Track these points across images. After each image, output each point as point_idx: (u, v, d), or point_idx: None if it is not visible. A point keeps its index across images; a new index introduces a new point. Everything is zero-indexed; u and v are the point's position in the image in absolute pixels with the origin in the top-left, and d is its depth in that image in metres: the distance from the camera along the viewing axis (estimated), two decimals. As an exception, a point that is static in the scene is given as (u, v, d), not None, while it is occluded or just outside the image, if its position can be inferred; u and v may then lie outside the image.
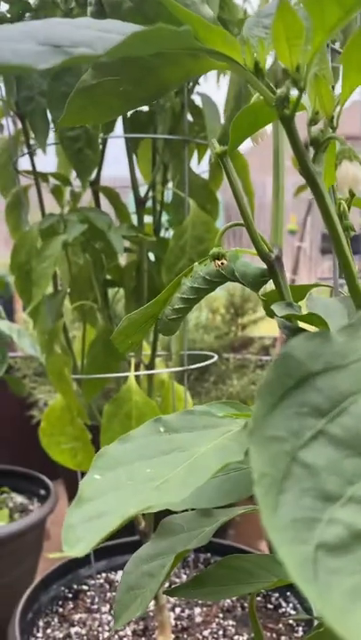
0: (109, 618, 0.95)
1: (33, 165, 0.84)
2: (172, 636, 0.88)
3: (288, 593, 0.98)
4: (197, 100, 0.85)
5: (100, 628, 0.92)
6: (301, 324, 0.34)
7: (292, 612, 0.95)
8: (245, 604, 0.99)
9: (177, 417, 0.28)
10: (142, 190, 0.84)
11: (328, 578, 0.14)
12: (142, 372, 0.83)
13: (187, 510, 0.42)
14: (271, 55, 0.27)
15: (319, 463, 0.16)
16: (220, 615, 0.97)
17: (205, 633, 0.91)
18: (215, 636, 0.90)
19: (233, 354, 1.69)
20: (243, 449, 0.23)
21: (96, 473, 0.24)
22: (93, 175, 0.86)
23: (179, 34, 0.20)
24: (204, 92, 0.85)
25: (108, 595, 1.01)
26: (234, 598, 1.00)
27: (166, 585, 0.96)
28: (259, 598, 0.98)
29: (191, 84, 0.79)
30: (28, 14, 0.78)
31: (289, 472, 0.16)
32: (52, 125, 0.75)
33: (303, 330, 0.34)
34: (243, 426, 0.27)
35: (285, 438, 0.16)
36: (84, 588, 1.03)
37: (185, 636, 0.90)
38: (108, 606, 0.98)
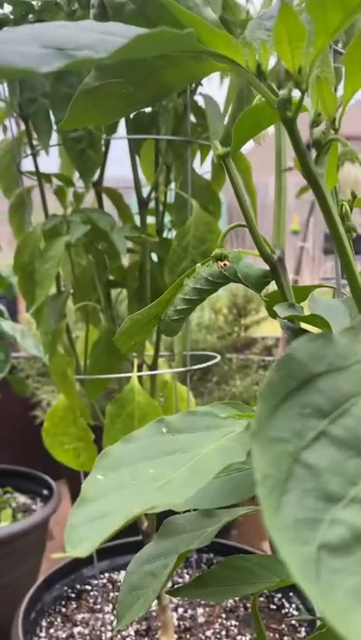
0: (112, 618, 0.95)
1: (36, 166, 0.84)
2: (175, 636, 0.88)
3: (291, 593, 0.98)
4: (200, 101, 0.85)
5: (102, 628, 0.92)
6: (304, 325, 0.34)
7: (295, 613, 0.95)
8: (248, 605, 0.99)
9: (179, 418, 0.28)
10: (145, 191, 0.85)
11: (330, 578, 0.14)
12: (145, 373, 0.83)
13: (189, 510, 0.42)
14: (274, 56, 0.27)
15: (322, 464, 0.16)
16: (223, 615, 0.97)
17: (208, 633, 0.91)
18: (218, 636, 0.90)
19: (236, 354, 1.69)
20: (245, 450, 0.23)
21: (99, 473, 0.24)
22: (96, 176, 0.86)
23: (182, 37, 0.20)
24: (207, 92, 0.85)
25: (111, 595, 1.01)
26: (237, 599, 1.00)
27: (169, 585, 0.96)
28: (262, 599, 0.98)
29: (194, 85, 0.79)
30: (30, 16, 0.78)
31: (291, 473, 0.16)
32: (54, 126, 0.75)
33: (306, 331, 0.34)
34: (245, 427, 0.27)
35: (288, 439, 0.16)
36: (87, 587, 1.03)
37: (188, 636, 0.90)
38: (110, 606, 0.98)
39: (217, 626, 0.93)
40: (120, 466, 0.25)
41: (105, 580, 1.05)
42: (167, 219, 0.92)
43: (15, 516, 1.28)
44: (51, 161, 0.91)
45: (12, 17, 0.79)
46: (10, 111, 0.86)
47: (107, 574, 1.06)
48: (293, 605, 0.96)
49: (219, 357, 0.92)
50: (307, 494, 0.16)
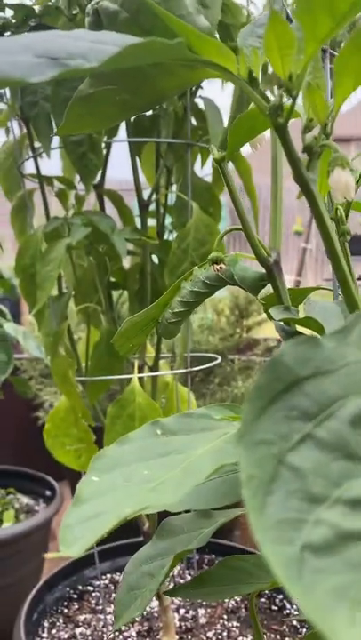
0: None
1: (37, 169, 0.84)
2: (177, 636, 0.88)
3: (292, 594, 0.98)
4: (201, 104, 0.86)
5: (104, 629, 0.92)
6: (305, 328, 0.34)
7: (297, 614, 0.95)
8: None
9: (174, 420, 0.28)
10: (146, 193, 0.85)
11: (313, 577, 0.15)
12: (146, 374, 0.84)
13: (188, 511, 0.43)
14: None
15: (307, 466, 0.16)
16: (225, 616, 0.97)
17: (210, 634, 0.91)
18: (219, 637, 0.90)
19: (238, 355, 1.70)
20: (237, 451, 0.24)
21: (94, 474, 0.24)
22: (97, 179, 0.86)
23: (172, 46, 0.20)
24: (208, 95, 0.85)
25: (113, 596, 1.02)
26: (238, 599, 1.01)
27: (171, 586, 0.96)
28: (263, 599, 0.99)
29: (194, 88, 0.80)
30: (32, 20, 0.78)
31: (277, 474, 0.16)
32: (55, 130, 0.76)
33: (301, 333, 0.34)
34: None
35: (274, 441, 0.17)
36: (89, 588, 1.04)
37: (189, 636, 0.91)
38: (112, 607, 0.98)
39: (218, 627, 0.94)
40: (115, 467, 0.25)
41: (107, 581, 1.05)
42: (168, 221, 0.92)
43: (18, 517, 1.29)
44: (53, 163, 0.92)
45: (13, 21, 0.80)
46: (12, 114, 0.87)
47: (108, 575, 1.07)
48: (295, 606, 0.97)
49: (219, 359, 0.93)
50: (291, 495, 0.16)
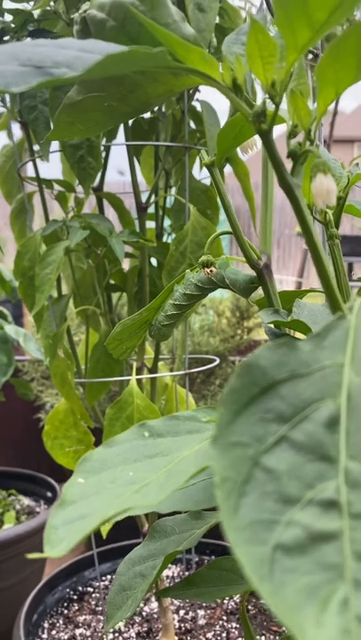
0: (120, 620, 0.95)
1: (37, 172, 0.85)
2: (176, 638, 0.88)
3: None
4: (199, 107, 0.86)
5: (104, 630, 0.92)
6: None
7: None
8: (249, 607, 0.99)
9: (162, 422, 0.29)
10: (145, 196, 0.85)
11: (283, 577, 0.15)
12: (143, 376, 0.84)
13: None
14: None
15: (281, 468, 0.17)
16: (224, 617, 0.97)
17: (209, 635, 0.91)
18: (218, 638, 0.90)
19: (239, 357, 1.70)
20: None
21: (80, 476, 0.25)
22: (97, 182, 0.87)
23: (153, 55, 0.20)
24: (206, 98, 0.86)
25: (113, 597, 1.02)
26: (238, 601, 1.01)
27: (170, 587, 0.96)
28: (263, 600, 0.99)
29: (191, 91, 0.80)
30: (31, 25, 0.79)
31: (251, 476, 0.16)
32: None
33: (290, 336, 0.34)
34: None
35: (249, 444, 0.17)
36: (89, 589, 1.04)
37: (188, 638, 0.91)
38: (112, 608, 0.98)
39: (218, 628, 0.94)
40: (101, 469, 0.25)
41: (107, 582, 1.06)
42: (167, 223, 0.93)
43: (19, 519, 1.29)
44: (54, 167, 0.93)
45: (12, 25, 0.80)
46: (11, 118, 0.88)
47: (108, 576, 1.07)
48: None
49: (218, 360, 0.93)
50: (265, 497, 0.16)
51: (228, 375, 1.58)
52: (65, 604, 1.00)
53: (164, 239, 0.92)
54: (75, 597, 1.02)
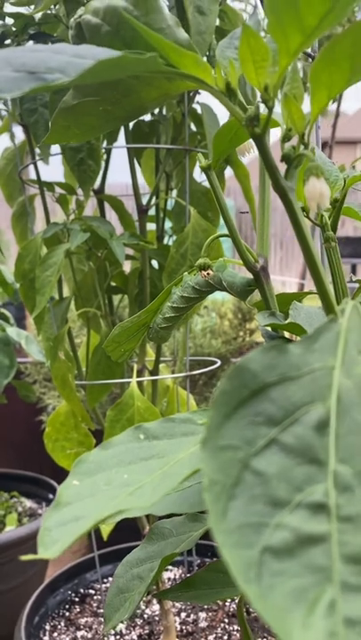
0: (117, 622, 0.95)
1: (38, 175, 0.85)
2: (177, 640, 0.88)
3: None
4: (200, 110, 0.86)
5: (106, 633, 0.92)
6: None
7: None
8: (251, 609, 0.99)
9: (158, 424, 0.29)
10: (145, 198, 0.86)
11: (271, 580, 0.15)
12: (144, 378, 0.84)
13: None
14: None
15: (270, 471, 0.17)
16: (226, 620, 0.97)
17: (210, 638, 0.91)
18: (220, 640, 0.90)
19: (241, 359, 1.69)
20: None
21: (75, 478, 0.25)
22: (98, 184, 0.87)
23: (144, 60, 0.21)
24: (207, 100, 0.86)
25: (114, 599, 1.02)
26: (239, 603, 1.01)
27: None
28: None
29: (192, 93, 0.81)
30: (31, 28, 0.79)
31: (240, 479, 0.16)
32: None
33: (286, 339, 0.34)
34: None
35: (238, 446, 0.17)
36: (91, 592, 1.04)
37: (189, 640, 0.91)
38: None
39: (219, 630, 0.94)
40: (96, 471, 0.25)
41: (108, 585, 1.06)
42: (168, 225, 0.93)
43: (21, 521, 1.30)
44: (56, 169, 0.93)
45: (14, 29, 0.81)
46: (12, 120, 0.88)
47: (110, 578, 1.07)
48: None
49: (219, 362, 0.93)
50: (254, 500, 0.16)
51: (230, 377, 1.57)
52: (66, 607, 1.00)
53: (165, 241, 0.92)
54: (76, 600, 1.02)
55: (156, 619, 0.96)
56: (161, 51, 0.23)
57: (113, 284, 0.91)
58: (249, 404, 0.18)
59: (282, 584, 0.15)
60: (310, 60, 0.56)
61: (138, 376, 0.81)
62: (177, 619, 0.96)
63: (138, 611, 0.97)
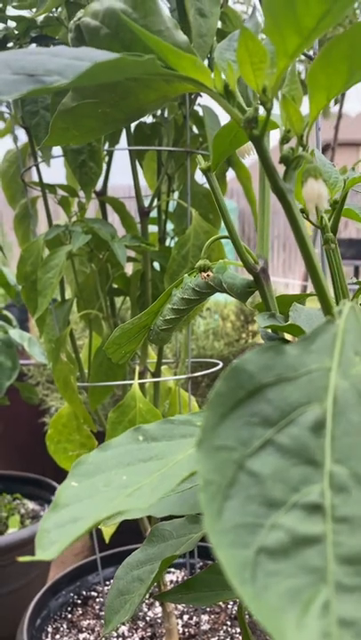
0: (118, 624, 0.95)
1: (40, 177, 0.86)
2: (179, 642, 0.88)
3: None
4: (201, 112, 0.87)
5: (108, 635, 0.92)
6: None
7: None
8: (253, 612, 0.99)
9: (157, 426, 0.29)
10: (147, 200, 0.86)
11: (266, 580, 0.15)
12: (145, 380, 0.84)
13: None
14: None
15: (266, 471, 0.17)
16: (228, 623, 0.97)
17: (212, 640, 0.91)
18: (222, 643, 0.90)
19: (244, 361, 1.69)
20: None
21: (74, 480, 0.25)
22: (100, 186, 0.87)
23: (142, 62, 0.21)
24: (209, 102, 0.86)
25: (117, 601, 1.02)
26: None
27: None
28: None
29: (193, 95, 0.81)
30: (33, 31, 0.80)
31: (235, 479, 0.16)
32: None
33: (286, 340, 0.34)
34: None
35: (234, 447, 0.17)
36: (93, 594, 1.04)
37: (192, 642, 0.91)
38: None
39: (222, 633, 0.93)
40: (95, 473, 0.26)
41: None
42: (170, 227, 0.93)
43: (23, 523, 1.30)
44: (58, 171, 0.93)
45: (16, 32, 0.81)
46: (14, 123, 0.88)
47: (112, 581, 1.07)
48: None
49: (221, 364, 0.93)
50: (250, 500, 0.16)
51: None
52: (69, 609, 1.00)
53: (167, 243, 0.93)
54: (78, 602, 1.02)
55: (159, 621, 0.95)
56: (159, 53, 0.23)
57: (115, 285, 0.91)
58: (245, 404, 0.18)
59: (276, 584, 0.15)
60: (311, 61, 0.56)
61: (140, 378, 0.81)
62: (179, 621, 0.96)
63: (140, 613, 0.97)
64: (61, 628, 0.94)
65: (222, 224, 0.91)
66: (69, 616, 0.98)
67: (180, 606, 0.99)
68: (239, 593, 0.14)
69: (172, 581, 1.03)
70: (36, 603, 0.93)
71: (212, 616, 0.98)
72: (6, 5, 0.79)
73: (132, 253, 0.89)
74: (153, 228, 0.92)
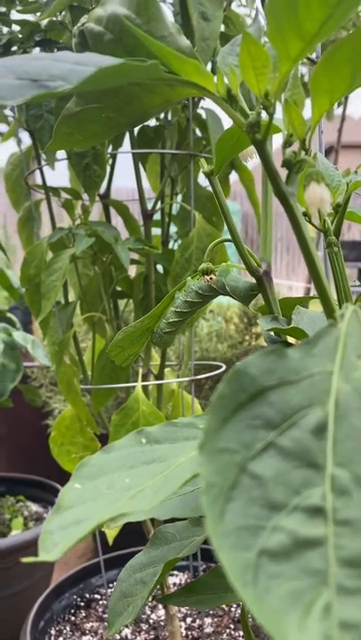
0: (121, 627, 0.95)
1: (43, 180, 0.86)
2: (182, 645, 0.88)
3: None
4: (204, 115, 0.87)
5: (111, 637, 0.92)
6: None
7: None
8: (256, 615, 0.99)
9: (160, 428, 0.29)
10: (150, 203, 0.86)
11: (268, 582, 0.15)
12: (149, 383, 0.84)
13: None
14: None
15: (268, 474, 0.17)
16: (232, 626, 0.97)
17: (215, 643, 0.91)
18: (225, 646, 0.90)
19: (247, 363, 1.69)
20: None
21: (77, 482, 0.25)
22: (103, 189, 0.87)
23: (145, 68, 0.21)
24: (212, 105, 0.86)
25: (120, 603, 1.02)
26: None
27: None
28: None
29: (196, 98, 0.81)
30: (37, 35, 0.80)
31: (238, 482, 0.17)
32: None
33: (289, 343, 0.34)
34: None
35: (236, 450, 0.17)
36: (97, 596, 1.04)
37: (195, 645, 0.91)
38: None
39: (225, 636, 0.93)
40: (98, 475, 0.26)
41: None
42: (173, 230, 0.93)
43: (27, 525, 1.30)
44: (62, 174, 0.94)
45: (20, 36, 0.82)
46: (18, 126, 0.89)
47: (115, 583, 1.07)
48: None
49: (224, 367, 0.93)
50: (252, 503, 0.16)
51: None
52: (72, 611, 1.00)
53: (170, 246, 0.93)
54: (82, 604, 1.02)
55: (162, 624, 0.95)
56: (162, 58, 0.23)
57: (118, 288, 0.91)
58: (247, 407, 0.18)
59: (278, 587, 0.15)
60: (314, 64, 0.56)
61: (143, 380, 0.82)
62: (183, 624, 0.96)
63: (143, 616, 0.97)
64: (65, 631, 0.94)
65: (225, 227, 0.91)
66: (73, 618, 0.98)
67: (183, 609, 0.99)
68: (241, 595, 0.15)
69: (175, 584, 1.03)
70: (39, 605, 0.93)
71: (216, 619, 0.98)
72: (10, 9, 0.79)
73: (135, 256, 0.89)
74: (156, 231, 0.92)
